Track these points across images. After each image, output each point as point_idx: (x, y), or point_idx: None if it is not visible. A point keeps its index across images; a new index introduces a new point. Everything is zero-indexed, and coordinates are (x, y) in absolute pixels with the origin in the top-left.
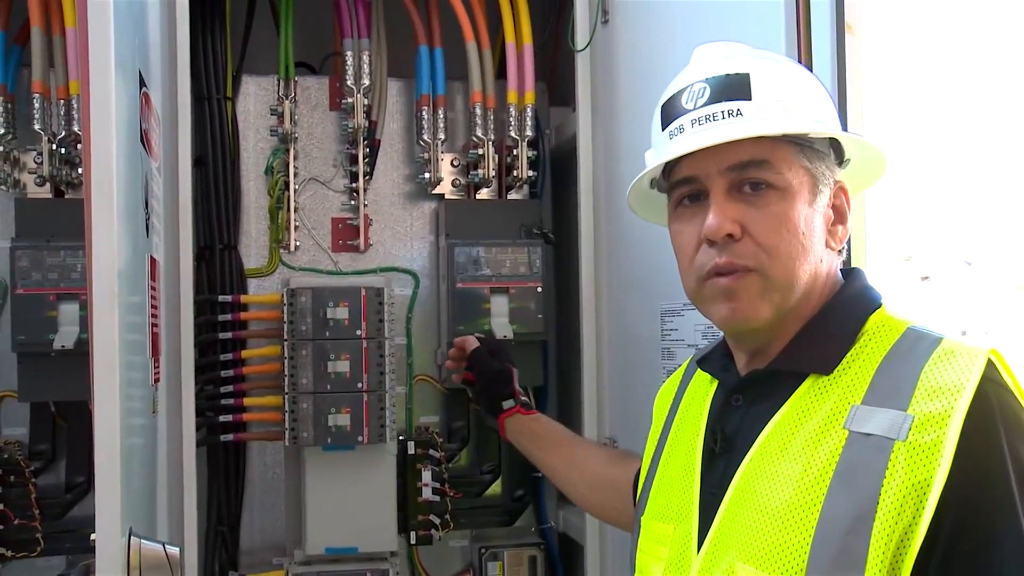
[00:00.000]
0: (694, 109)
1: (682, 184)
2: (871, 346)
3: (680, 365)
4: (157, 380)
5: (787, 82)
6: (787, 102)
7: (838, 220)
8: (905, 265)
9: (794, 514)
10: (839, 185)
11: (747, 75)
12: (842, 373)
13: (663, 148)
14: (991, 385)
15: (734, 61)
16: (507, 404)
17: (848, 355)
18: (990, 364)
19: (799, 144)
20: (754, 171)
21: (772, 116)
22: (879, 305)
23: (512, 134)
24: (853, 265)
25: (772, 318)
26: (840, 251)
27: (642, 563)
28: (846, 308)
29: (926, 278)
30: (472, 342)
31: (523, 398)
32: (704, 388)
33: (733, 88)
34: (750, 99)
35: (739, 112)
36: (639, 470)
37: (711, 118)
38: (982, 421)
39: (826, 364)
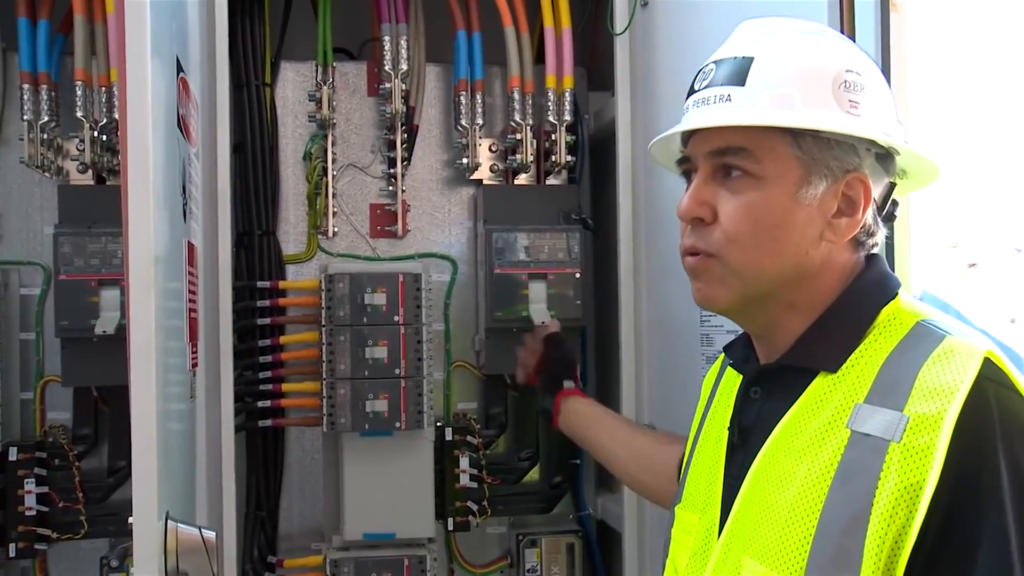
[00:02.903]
0: (700, 89)
1: (685, 160)
2: (879, 342)
3: (717, 351)
4: (195, 365)
5: (802, 68)
6: (785, 91)
7: (845, 212)
8: (952, 252)
9: (797, 513)
10: (855, 176)
11: (751, 59)
12: (848, 370)
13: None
14: (990, 384)
15: (756, 43)
16: (568, 384)
17: (856, 351)
18: (988, 363)
19: (794, 133)
20: (731, 158)
21: (758, 105)
22: (893, 296)
23: (550, 119)
24: (897, 253)
25: (732, 303)
26: (863, 243)
27: (674, 551)
28: (857, 301)
29: (973, 265)
30: (554, 325)
31: (580, 387)
32: (734, 378)
33: (732, 72)
34: (743, 85)
35: (729, 98)
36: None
37: (706, 101)
38: (976, 422)
39: (833, 361)
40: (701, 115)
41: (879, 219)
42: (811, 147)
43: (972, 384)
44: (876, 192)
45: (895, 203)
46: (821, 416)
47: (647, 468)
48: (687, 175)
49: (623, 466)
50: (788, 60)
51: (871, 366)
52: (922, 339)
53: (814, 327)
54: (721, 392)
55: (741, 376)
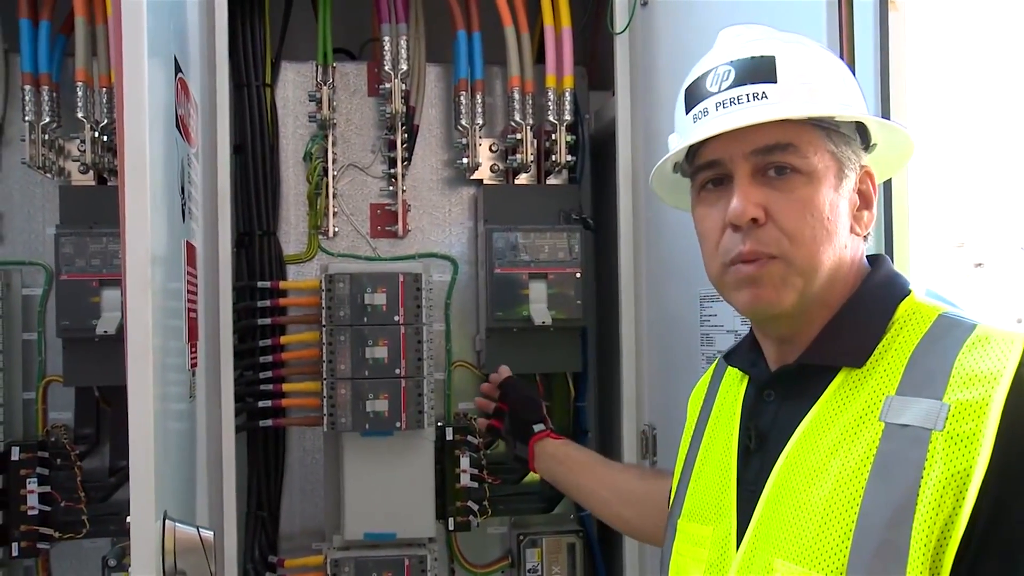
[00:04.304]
0: (719, 92)
1: (706, 168)
2: (903, 335)
3: (718, 351)
4: (194, 366)
5: (813, 65)
6: (813, 85)
7: (864, 205)
8: (958, 251)
9: (834, 509)
10: (865, 170)
11: (773, 57)
12: (875, 364)
13: (687, 132)
14: None
15: (759, 44)
16: (537, 428)
17: (880, 346)
18: None
19: (825, 128)
20: (779, 155)
21: (798, 99)
22: (908, 292)
23: (551, 119)
24: (898, 252)
25: (796, 304)
26: (866, 237)
27: (679, 565)
28: (875, 297)
29: (980, 265)
30: (505, 371)
31: (551, 427)
32: (736, 385)
33: (758, 71)
34: (775, 81)
35: (764, 95)
36: None
37: (736, 101)
38: (1021, 409)
39: (857, 357)
40: (741, 114)
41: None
42: (838, 141)
43: (1016, 370)
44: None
45: None
46: (849, 411)
47: (636, 507)
48: (715, 183)
49: (610, 507)
50: (806, 57)
51: (898, 359)
52: (951, 330)
53: (831, 325)
54: (721, 401)
55: (746, 381)
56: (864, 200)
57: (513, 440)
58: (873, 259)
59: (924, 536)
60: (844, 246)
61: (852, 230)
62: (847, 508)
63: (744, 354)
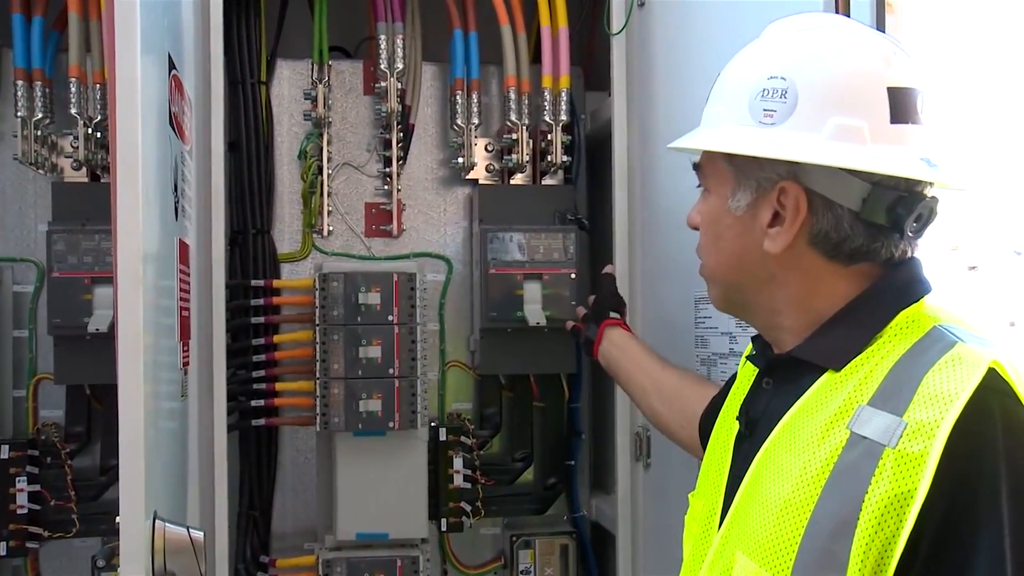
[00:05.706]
0: None
1: None
2: (891, 344)
3: (712, 353)
4: (186, 364)
5: (727, 82)
6: (715, 108)
7: (781, 221)
8: (951, 255)
9: (789, 511)
10: (785, 184)
11: (718, 77)
12: (854, 370)
13: None
14: (993, 394)
15: (753, 50)
16: (613, 315)
17: (865, 352)
18: (992, 372)
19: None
20: (699, 175)
21: (703, 126)
22: (916, 299)
23: (547, 119)
24: None
25: (718, 302)
26: (843, 246)
27: (685, 538)
28: (871, 303)
29: (973, 268)
30: (610, 269)
31: (627, 325)
32: (753, 368)
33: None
34: (705, 104)
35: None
36: (712, 399)
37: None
38: (976, 430)
39: (837, 359)
40: None
41: (871, 223)
42: (740, 159)
43: (972, 393)
44: (843, 198)
45: (907, 206)
46: (823, 414)
47: (667, 403)
48: None
49: (647, 399)
50: (725, 75)
51: (881, 368)
52: (934, 344)
53: (825, 326)
54: (740, 381)
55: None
56: (778, 216)
57: (588, 322)
58: (900, 263)
59: (862, 553)
60: (753, 260)
61: (764, 245)
62: (801, 512)
63: (760, 341)
